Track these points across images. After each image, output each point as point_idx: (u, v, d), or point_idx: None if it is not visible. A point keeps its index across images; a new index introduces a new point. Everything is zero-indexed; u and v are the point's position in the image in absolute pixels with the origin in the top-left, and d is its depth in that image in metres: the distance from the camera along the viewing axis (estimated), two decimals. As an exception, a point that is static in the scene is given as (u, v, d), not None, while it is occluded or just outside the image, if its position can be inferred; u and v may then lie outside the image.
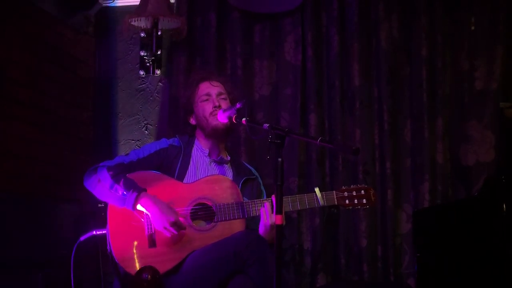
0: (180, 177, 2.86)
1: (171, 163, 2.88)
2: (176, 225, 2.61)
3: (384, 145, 3.80)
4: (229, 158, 3.03)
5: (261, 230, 2.71)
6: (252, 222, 2.86)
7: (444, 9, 3.81)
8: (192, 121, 3.03)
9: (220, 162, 2.98)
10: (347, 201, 2.81)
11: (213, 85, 3.00)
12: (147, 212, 2.65)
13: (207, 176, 2.85)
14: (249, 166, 3.12)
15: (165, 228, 2.61)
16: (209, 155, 2.97)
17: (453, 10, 3.83)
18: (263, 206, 2.71)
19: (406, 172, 3.79)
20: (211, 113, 2.91)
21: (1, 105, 3.20)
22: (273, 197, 2.56)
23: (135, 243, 2.64)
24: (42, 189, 3.50)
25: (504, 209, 2.82)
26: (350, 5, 3.87)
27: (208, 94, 2.97)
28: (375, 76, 3.86)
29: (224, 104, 2.94)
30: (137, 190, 2.65)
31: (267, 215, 2.68)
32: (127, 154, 2.90)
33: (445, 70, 3.81)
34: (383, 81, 3.81)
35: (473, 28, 3.81)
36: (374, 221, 3.75)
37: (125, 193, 2.64)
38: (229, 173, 2.97)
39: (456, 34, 3.84)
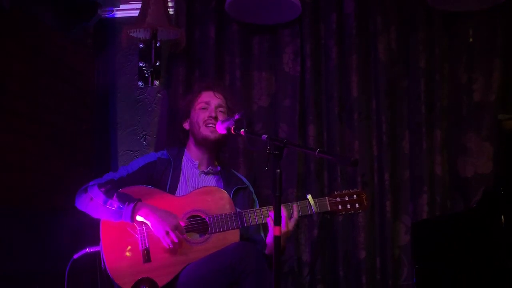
0: (172, 190, 2.86)
1: (160, 177, 2.89)
2: (178, 228, 2.61)
3: (382, 156, 3.79)
4: (219, 168, 3.02)
5: (270, 238, 2.71)
6: (247, 232, 2.86)
7: (443, 22, 3.82)
8: (186, 126, 3.08)
9: (209, 173, 2.98)
10: (340, 206, 2.81)
11: (215, 96, 3.04)
12: (146, 221, 2.64)
13: (199, 188, 2.85)
14: (240, 176, 3.12)
15: (167, 233, 2.59)
16: (199, 166, 2.98)
17: (451, 23, 3.84)
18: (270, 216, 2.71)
19: (405, 184, 3.78)
20: (204, 121, 2.95)
21: (0, 117, 3.20)
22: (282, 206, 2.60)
23: (130, 258, 2.63)
24: (40, 200, 3.49)
25: (503, 221, 2.81)
26: (348, 17, 3.87)
27: (208, 103, 3.01)
28: (373, 88, 3.86)
29: (221, 117, 2.95)
30: (133, 201, 2.65)
31: (283, 222, 2.67)
32: (115, 171, 2.91)
33: (443, 82, 3.82)
34: (381, 93, 3.82)
35: (471, 40, 3.82)
36: (373, 233, 3.74)
37: (121, 206, 2.63)
38: (220, 184, 2.97)
39: (454, 46, 3.84)
